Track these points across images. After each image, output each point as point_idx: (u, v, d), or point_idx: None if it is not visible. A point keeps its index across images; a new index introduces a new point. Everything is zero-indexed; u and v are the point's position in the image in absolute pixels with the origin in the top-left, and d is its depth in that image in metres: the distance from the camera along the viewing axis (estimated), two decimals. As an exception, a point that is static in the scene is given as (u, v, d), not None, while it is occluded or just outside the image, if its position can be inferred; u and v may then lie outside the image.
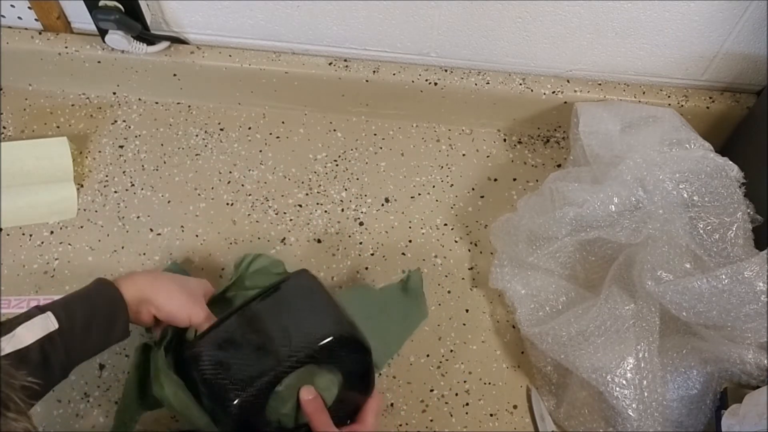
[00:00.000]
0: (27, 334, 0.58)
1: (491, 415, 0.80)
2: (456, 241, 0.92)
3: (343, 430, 0.64)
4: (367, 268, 0.89)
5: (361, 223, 0.92)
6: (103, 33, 0.91)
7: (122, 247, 0.89)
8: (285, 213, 0.93)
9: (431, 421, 0.79)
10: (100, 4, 0.87)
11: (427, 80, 0.95)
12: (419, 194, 0.95)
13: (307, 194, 0.95)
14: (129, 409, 0.70)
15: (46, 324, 0.59)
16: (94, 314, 0.63)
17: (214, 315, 0.70)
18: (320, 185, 0.95)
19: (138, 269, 0.87)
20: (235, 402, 0.59)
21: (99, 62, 0.96)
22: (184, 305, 0.68)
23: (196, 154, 0.97)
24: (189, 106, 1.02)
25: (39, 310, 0.60)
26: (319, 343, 0.61)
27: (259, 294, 0.67)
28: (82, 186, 0.94)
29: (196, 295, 0.70)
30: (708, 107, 0.95)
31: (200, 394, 0.64)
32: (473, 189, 0.96)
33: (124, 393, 0.70)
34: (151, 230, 0.90)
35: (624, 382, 0.72)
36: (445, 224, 0.93)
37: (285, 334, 0.62)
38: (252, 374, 0.60)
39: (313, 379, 0.63)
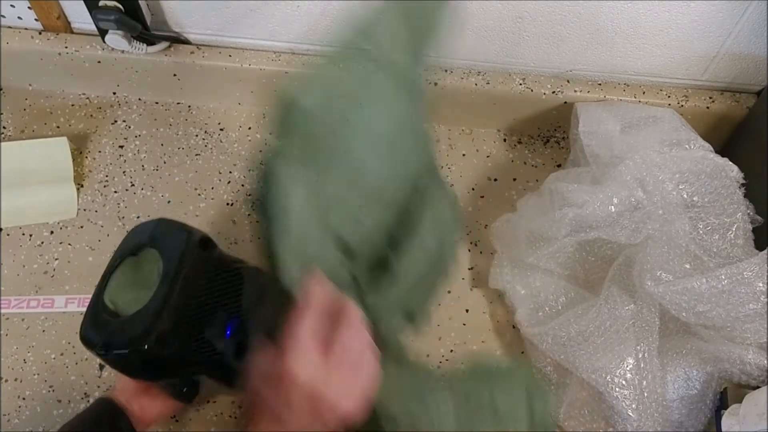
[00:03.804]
0: None
1: (491, 415, 0.80)
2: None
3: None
4: (367, 268, 0.89)
5: (361, 223, 0.92)
6: (103, 33, 0.91)
7: (122, 247, 0.89)
8: (285, 213, 0.93)
9: (431, 421, 0.80)
10: (100, 4, 0.87)
11: (427, 80, 0.95)
12: (419, 194, 0.95)
13: (307, 194, 0.94)
14: None
15: None
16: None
17: None
18: (320, 185, 0.95)
19: (138, 269, 0.87)
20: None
21: (99, 62, 0.96)
22: None
23: (196, 154, 0.97)
24: (189, 106, 1.02)
25: None
26: None
27: None
28: (82, 186, 0.94)
29: None
30: (708, 107, 0.95)
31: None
32: (473, 189, 0.96)
33: None
34: (151, 230, 0.90)
35: (624, 382, 0.72)
36: (445, 224, 0.93)
37: None
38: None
39: None
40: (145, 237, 0.65)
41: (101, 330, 0.61)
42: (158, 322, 0.59)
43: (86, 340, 0.62)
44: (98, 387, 0.79)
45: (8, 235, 0.89)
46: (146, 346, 0.58)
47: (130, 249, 0.65)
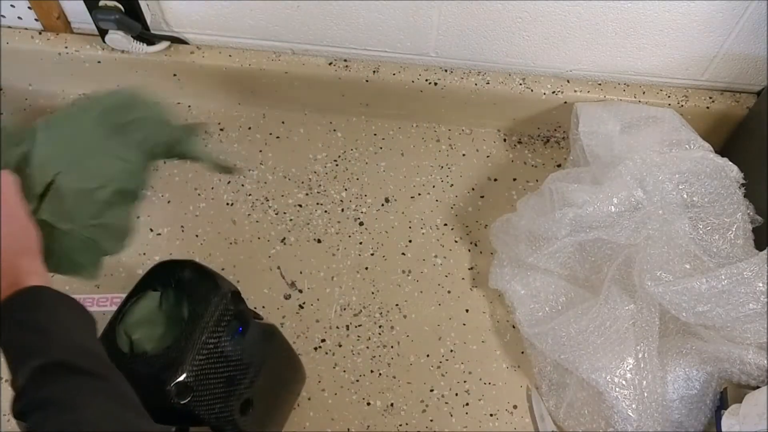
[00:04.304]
0: None
1: (491, 415, 0.80)
2: (456, 241, 0.92)
3: None
4: (367, 268, 0.89)
5: (361, 223, 0.92)
6: (103, 33, 0.91)
7: (122, 247, 0.89)
8: (285, 213, 0.93)
9: (431, 421, 0.80)
10: (100, 4, 0.87)
11: (427, 80, 0.95)
12: (419, 194, 0.96)
13: (307, 194, 0.95)
14: None
15: None
16: None
17: None
18: (320, 185, 0.95)
19: (138, 269, 0.87)
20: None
21: (99, 62, 0.96)
22: None
23: (196, 154, 0.97)
24: (189, 106, 1.02)
25: None
26: None
27: None
28: (82, 186, 0.94)
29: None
30: (708, 107, 0.95)
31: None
32: (473, 189, 0.96)
33: None
34: (151, 230, 0.90)
35: (624, 382, 0.72)
36: (445, 224, 0.93)
37: None
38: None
39: None
40: (173, 276, 0.64)
41: (114, 361, 0.61)
42: (181, 369, 0.59)
43: None
44: (98, 387, 0.79)
45: (8, 235, 0.89)
46: (167, 389, 0.58)
47: (153, 284, 0.65)
